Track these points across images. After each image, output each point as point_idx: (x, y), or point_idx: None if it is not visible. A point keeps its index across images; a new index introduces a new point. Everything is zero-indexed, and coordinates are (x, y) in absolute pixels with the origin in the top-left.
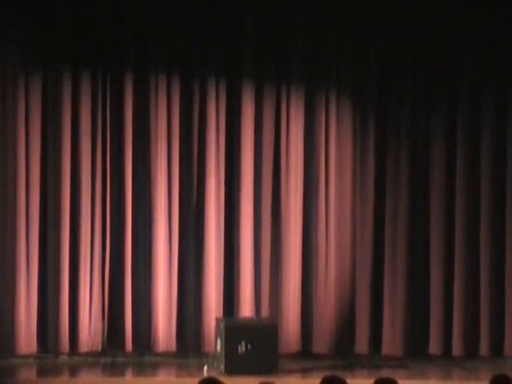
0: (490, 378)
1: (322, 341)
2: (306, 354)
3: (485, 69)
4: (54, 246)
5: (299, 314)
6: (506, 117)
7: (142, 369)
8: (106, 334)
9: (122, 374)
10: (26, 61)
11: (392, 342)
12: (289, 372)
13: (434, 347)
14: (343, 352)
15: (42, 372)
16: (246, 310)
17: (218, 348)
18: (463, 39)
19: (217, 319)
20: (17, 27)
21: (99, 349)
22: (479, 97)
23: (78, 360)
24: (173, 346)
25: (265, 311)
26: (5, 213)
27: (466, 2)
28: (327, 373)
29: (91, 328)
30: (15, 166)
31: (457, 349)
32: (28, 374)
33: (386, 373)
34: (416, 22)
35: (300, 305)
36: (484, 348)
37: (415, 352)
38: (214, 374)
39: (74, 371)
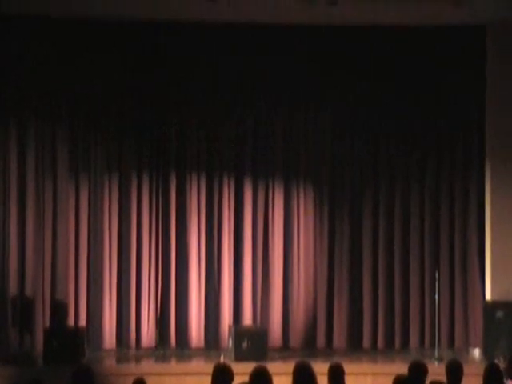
0: (410, 363)
1: (295, 339)
2: (285, 347)
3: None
4: (126, 279)
5: (280, 323)
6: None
7: (181, 358)
8: (158, 335)
9: (169, 361)
10: (109, 165)
11: (338, 339)
12: (274, 359)
13: (366, 342)
14: (308, 345)
15: (119, 360)
16: (247, 319)
17: (230, 344)
18: None
19: (229, 326)
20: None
21: (154, 345)
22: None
23: (141, 352)
24: (201, 343)
25: (259, 320)
26: (97, 260)
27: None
28: (298, 359)
29: (149, 332)
30: (102, 234)
31: (380, 343)
32: (110, 361)
33: (335, 359)
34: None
35: (281, 316)
36: (397, 343)
37: (353, 345)
38: (227, 361)
39: (138, 360)
